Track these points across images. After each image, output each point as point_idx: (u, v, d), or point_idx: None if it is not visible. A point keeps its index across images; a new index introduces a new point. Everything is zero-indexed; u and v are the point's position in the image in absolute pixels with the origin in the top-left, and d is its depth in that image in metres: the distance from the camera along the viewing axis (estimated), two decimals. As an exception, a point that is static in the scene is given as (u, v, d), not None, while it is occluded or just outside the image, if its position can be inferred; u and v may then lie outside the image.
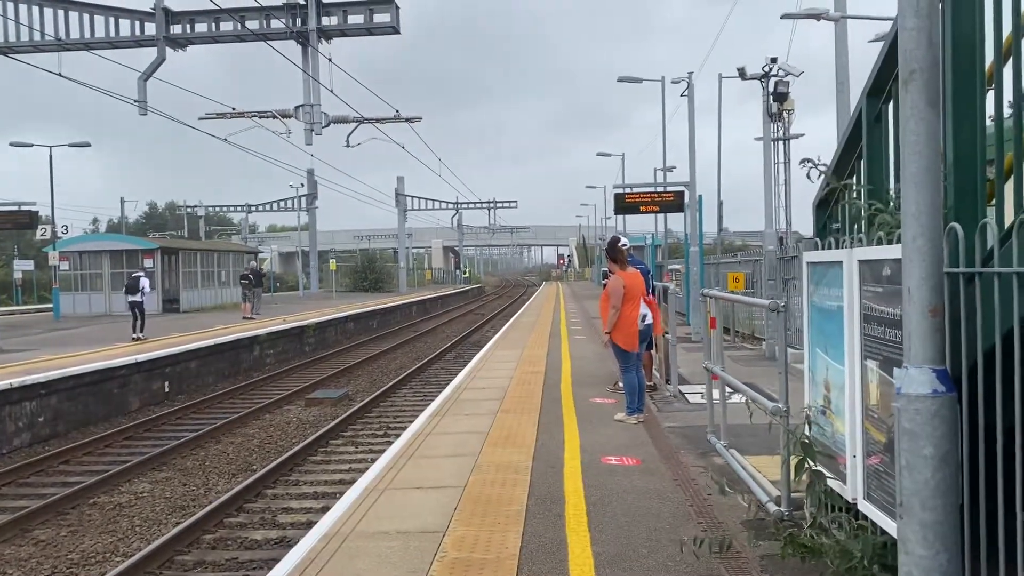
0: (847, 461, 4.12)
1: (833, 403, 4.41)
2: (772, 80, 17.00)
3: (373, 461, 7.69)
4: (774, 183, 18.34)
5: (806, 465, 4.29)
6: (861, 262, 3.98)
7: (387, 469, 6.74)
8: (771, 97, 17.13)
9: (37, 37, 22.10)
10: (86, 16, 22.82)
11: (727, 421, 6.71)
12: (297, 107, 23.39)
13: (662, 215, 28.80)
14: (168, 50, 22.73)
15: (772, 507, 4.99)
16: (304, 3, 22.32)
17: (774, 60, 17.02)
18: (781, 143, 20.14)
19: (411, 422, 9.45)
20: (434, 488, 6.08)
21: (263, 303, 30.71)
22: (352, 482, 6.91)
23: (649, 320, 9.02)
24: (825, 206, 5.27)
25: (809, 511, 4.51)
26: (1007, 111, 3.34)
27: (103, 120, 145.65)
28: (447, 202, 67.52)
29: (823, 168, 4.70)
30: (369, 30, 22.98)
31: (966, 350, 3.17)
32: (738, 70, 17.44)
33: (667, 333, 10.30)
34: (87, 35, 22.73)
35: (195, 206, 65.82)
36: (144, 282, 19.63)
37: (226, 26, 22.86)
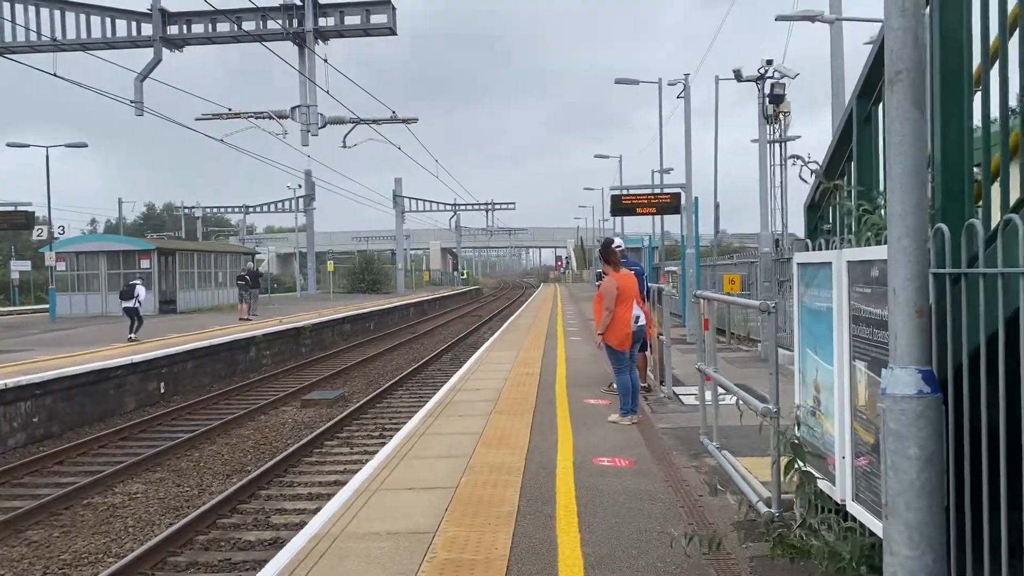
0: (836, 462, 4.12)
1: (823, 404, 4.41)
2: (768, 82, 17.02)
3: (367, 462, 7.68)
4: (770, 185, 18.37)
5: (795, 466, 4.29)
6: (850, 263, 3.99)
7: (379, 470, 6.74)
8: (767, 99, 17.15)
9: (33, 37, 22.07)
10: (83, 17, 22.80)
11: (720, 422, 6.71)
12: (293, 108, 23.38)
13: (660, 217, 28.80)
14: (165, 51, 22.72)
15: (762, 508, 4.99)
16: (301, 4, 22.32)
17: (770, 62, 17.04)
18: (778, 145, 20.16)
19: (406, 423, 9.44)
20: (426, 489, 6.08)
21: (260, 304, 30.69)
22: (346, 483, 6.90)
23: (642, 321, 9.02)
24: (816, 207, 5.28)
25: (799, 512, 4.52)
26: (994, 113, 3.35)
27: (101, 121, 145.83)
28: (445, 203, 67.58)
29: (813, 165, 4.71)
30: (366, 31, 22.98)
31: (952, 351, 3.17)
32: (734, 72, 17.47)
33: (661, 334, 10.31)
34: (83, 36, 22.70)
35: (192, 207, 65.82)
36: (140, 289, 19.58)
37: (223, 27, 22.84)
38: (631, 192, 20.75)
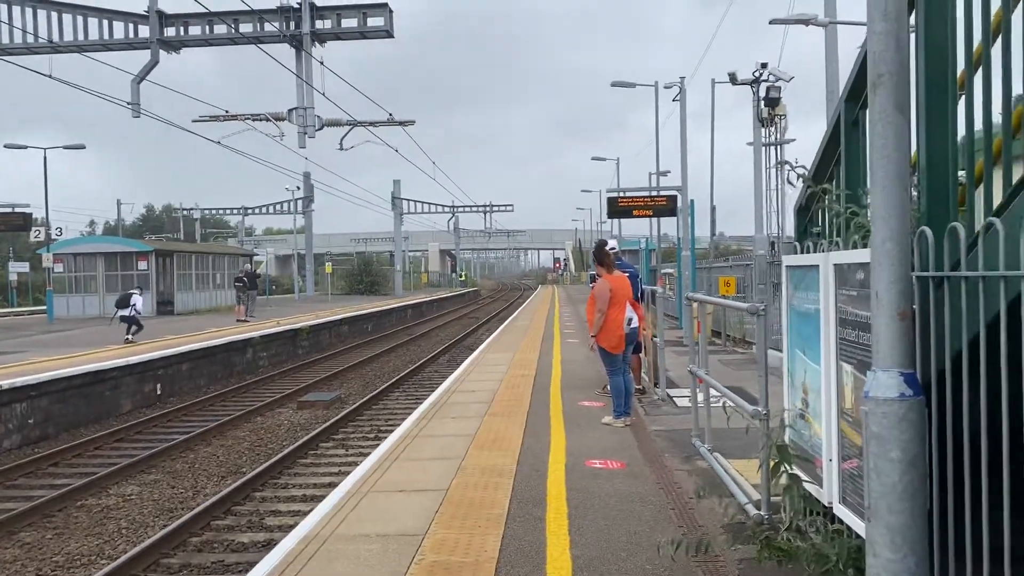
0: (823, 464, 4.13)
1: (811, 406, 4.43)
2: (763, 85, 17.05)
3: (361, 464, 7.69)
4: (766, 188, 18.40)
5: (782, 468, 4.30)
6: (836, 266, 4.00)
7: (371, 472, 6.75)
8: (762, 103, 17.18)
9: (30, 39, 22.09)
10: (79, 18, 22.82)
11: (712, 424, 6.72)
12: (290, 110, 23.40)
13: (657, 219, 28.82)
14: (162, 53, 22.73)
15: (752, 510, 5.01)
16: (298, 7, 22.35)
17: (764, 65, 17.06)
18: (774, 148, 20.19)
19: (400, 425, 9.45)
20: (417, 491, 6.09)
21: (258, 306, 30.69)
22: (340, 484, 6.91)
23: (635, 324, 9.03)
24: (806, 210, 5.29)
25: (787, 515, 4.53)
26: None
27: (100, 123, 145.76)
28: (443, 205, 67.61)
29: (800, 170, 4.72)
30: (363, 34, 23.01)
31: (935, 354, 3.18)
32: (729, 76, 17.49)
33: (655, 336, 10.32)
34: (80, 37, 22.72)
35: (191, 209, 65.82)
36: (136, 299, 19.57)
37: (220, 29, 22.87)
38: (628, 195, 20.79)
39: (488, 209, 71.62)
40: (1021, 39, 3.04)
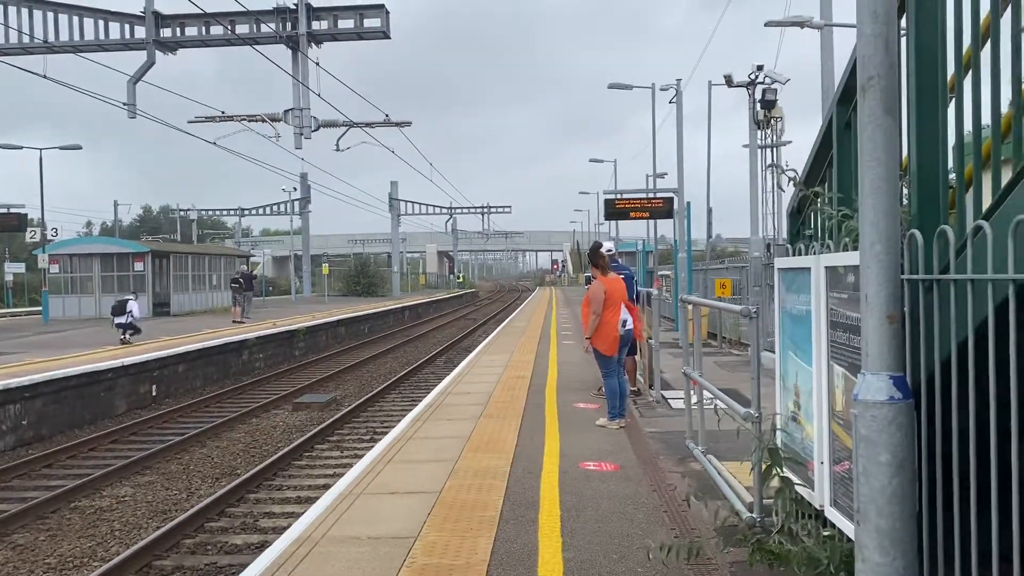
0: (815, 467, 4.13)
1: (803, 409, 4.43)
2: (759, 88, 17.06)
3: (355, 466, 7.68)
4: (761, 190, 18.41)
5: (774, 472, 4.30)
6: (828, 268, 4.01)
7: (364, 474, 6.74)
8: (758, 105, 17.19)
9: (26, 39, 22.04)
10: (75, 18, 22.78)
11: (707, 426, 6.72)
12: (286, 111, 23.38)
13: (654, 221, 28.83)
14: (158, 53, 22.71)
15: (744, 513, 5.00)
16: (294, 8, 22.34)
17: (760, 68, 17.08)
18: (770, 150, 20.20)
19: (395, 427, 9.44)
20: (410, 493, 6.08)
21: (254, 307, 30.65)
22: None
23: (630, 326, 9.03)
24: (798, 213, 5.30)
25: (779, 517, 4.52)
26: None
27: (97, 123, 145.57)
28: (441, 207, 67.56)
29: (791, 173, 4.73)
30: (359, 35, 23.00)
31: (925, 358, 3.18)
32: (725, 78, 17.51)
33: (651, 338, 10.31)
34: (76, 38, 22.68)
35: (188, 209, 65.71)
36: (132, 306, 19.53)
37: (216, 30, 22.84)
38: (625, 196, 20.80)
39: (486, 210, 71.60)
40: (1010, 43, 3.05)
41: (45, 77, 18.86)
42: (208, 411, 14.99)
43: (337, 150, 31.61)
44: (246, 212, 63.87)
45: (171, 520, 8.10)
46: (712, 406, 6.37)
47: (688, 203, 20.66)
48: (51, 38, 22.34)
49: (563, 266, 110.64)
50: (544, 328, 23.63)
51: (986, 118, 3.27)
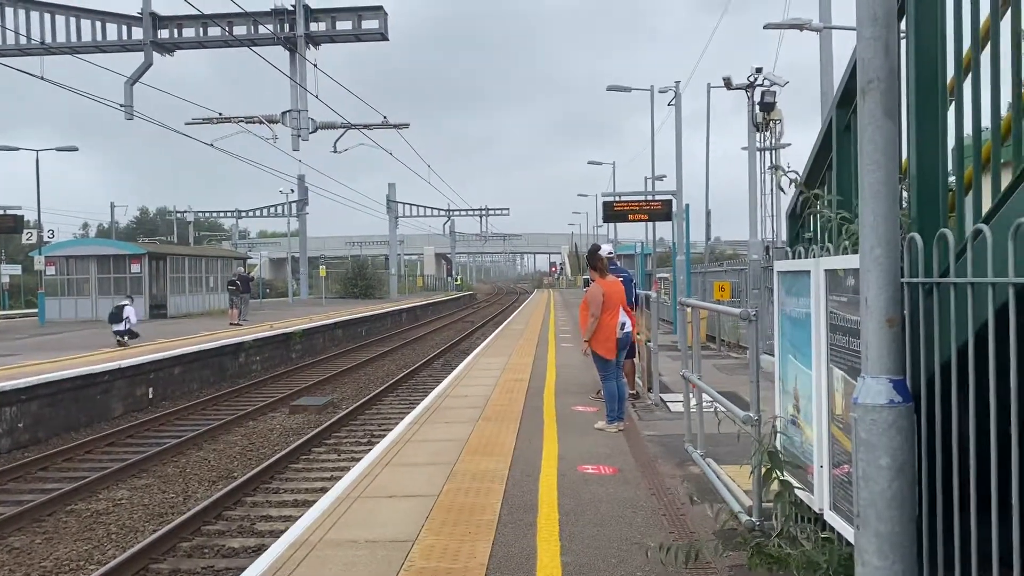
0: (814, 471, 4.12)
1: (802, 412, 4.42)
2: (758, 90, 17.07)
3: (352, 468, 7.65)
4: (760, 193, 18.43)
5: (774, 475, 4.29)
6: (828, 271, 4.00)
7: (362, 477, 6.72)
8: (757, 107, 17.20)
9: (23, 41, 22.01)
10: (72, 20, 22.76)
11: (706, 430, 6.71)
12: (284, 112, 23.38)
13: (652, 223, 28.84)
14: (155, 55, 22.68)
15: (743, 517, 4.99)
16: (292, 9, 22.33)
17: (759, 70, 17.09)
18: (769, 153, 20.21)
19: (392, 430, 9.41)
20: (407, 496, 6.06)
21: (252, 309, 30.61)
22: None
23: (628, 328, 9.02)
24: (797, 216, 5.29)
25: (778, 521, 4.51)
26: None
27: (94, 124, 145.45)
28: (439, 209, 67.60)
29: (793, 175, 4.72)
30: (357, 36, 23.00)
31: (925, 361, 3.18)
32: (724, 80, 17.51)
33: (649, 341, 10.31)
34: (73, 39, 22.66)
35: (185, 211, 65.64)
36: (128, 311, 19.49)
37: (214, 32, 22.84)
38: (623, 199, 20.79)
39: (484, 213, 71.66)
40: (1010, 46, 3.04)
41: (43, 78, 18.83)
42: (205, 414, 14.95)
43: (335, 152, 31.60)
44: (243, 214, 63.85)
45: (168, 523, 8.08)
46: (711, 409, 6.37)
47: (687, 205, 20.69)
48: (48, 39, 22.32)
49: (561, 269, 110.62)
50: (542, 331, 23.61)
51: (986, 121, 3.27)
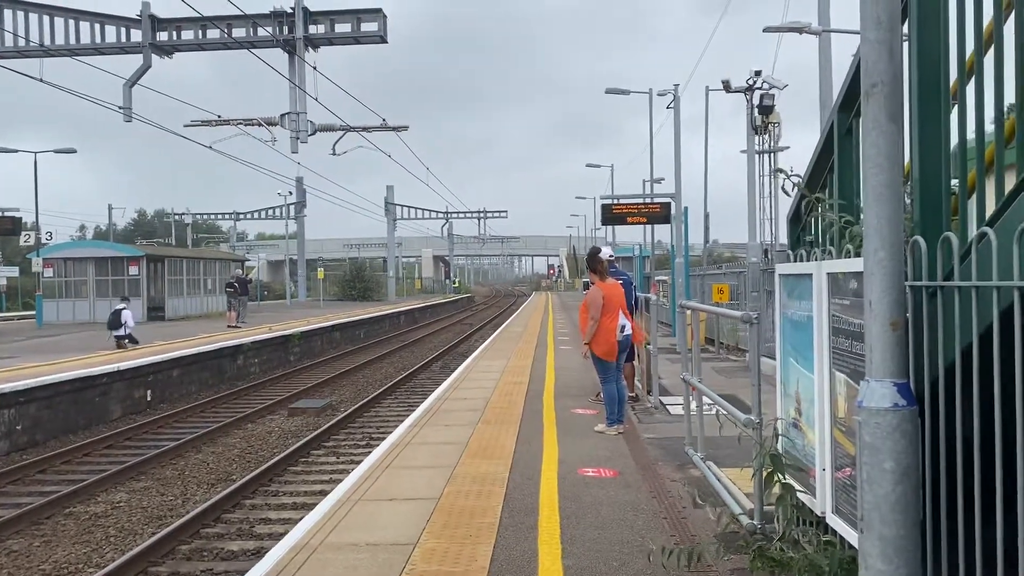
0: (816, 474, 4.12)
1: (804, 415, 4.41)
2: (757, 93, 17.10)
3: (352, 471, 7.64)
4: (759, 195, 18.44)
5: (776, 478, 4.29)
6: (830, 275, 4.00)
7: (362, 480, 6.70)
8: (756, 110, 17.22)
9: (22, 43, 22.00)
10: (71, 22, 22.74)
11: (706, 433, 6.70)
12: (283, 115, 23.37)
13: (651, 226, 28.87)
14: (154, 57, 22.67)
15: (744, 520, 4.98)
16: (291, 12, 22.33)
17: (758, 73, 17.12)
18: (768, 156, 20.25)
19: (392, 432, 9.40)
20: (408, 499, 6.05)
21: (249, 311, 30.58)
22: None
23: (628, 331, 9.01)
24: (799, 219, 5.29)
25: (780, 524, 4.51)
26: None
27: (93, 126, 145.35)
28: (437, 211, 67.65)
29: (796, 179, 4.72)
30: (356, 39, 23.00)
31: (928, 364, 3.17)
32: (723, 83, 17.53)
33: (648, 344, 10.30)
34: (72, 41, 22.65)
35: (183, 213, 65.58)
36: (126, 315, 19.47)
37: (212, 34, 22.83)
38: (621, 202, 20.79)
39: (482, 215, 71.69)
40: (1014, 48, 3.04)
41: (41, 80, 18.82)
42: (203, 416, 14.93)
43: (334, 154, 31.61)
44: (241, 216, 63.83)
45: (167, 526, 8.06)
46: (713, 412, 6.36)
47: (685, 208, 20.68)
48: (47, 41, 22.30)
49: (559, 271, 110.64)
50: (541, 333, 23.60)
51: (989, 124, 3.27)
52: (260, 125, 25.93)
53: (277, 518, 8.40)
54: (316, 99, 21.66)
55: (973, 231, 3.22)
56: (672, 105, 22.80)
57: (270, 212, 60.60)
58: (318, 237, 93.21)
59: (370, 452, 9.71)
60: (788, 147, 20.78)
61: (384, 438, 10.38)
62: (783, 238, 20.99)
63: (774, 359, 5.28)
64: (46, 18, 22.50)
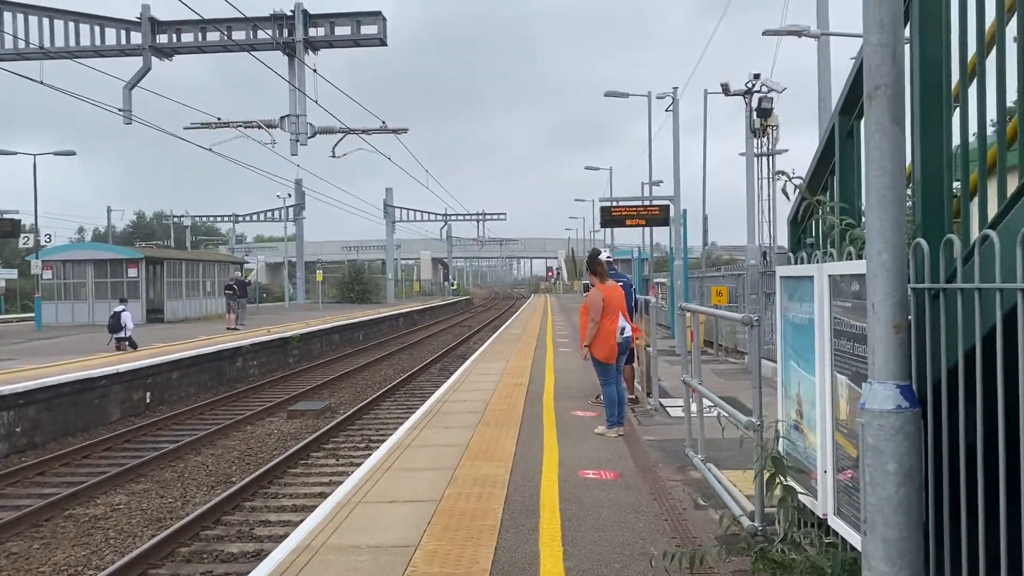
0: (818, 476, 4.12)
1: (805, 417, 4.42)
2: (755, 96, 17.12)
3: (352, 474, 7.63)
4: (758, 198, 18.46)
5: (777, 480, 4.29)
6: (831, 277, 4.00)
7: (363, 482, 6.70)
8: (754, 113, 17.24)
9: (22, 45, 22.00)
10: (71, 24, 22.74)
11: (706, 435, 6.70)
12: (282, 117, 23.37)
13: (650, 228, 28.88)
14: (154, 59, 22.67)
15: (746, 522, 4.98)
16: (291, 14, 22.34)
17: (757, 76, 17.15)
18: (766, 159, 20.25)
19: (392, 435, 9.40)
20: (408, 502, 6.04)
21: (248, 314, 30.56)
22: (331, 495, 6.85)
23: (628, 333, 9.01)
24: (799, 222, 5.30)
25: (781, 526, 4.51)
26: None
27: (92, 129, 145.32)
28: (436, 214, 67.62)
29: (797, 181, 4.73)
30: (356, 41, 23.01)
31: (931, 366, 3.18)
32: (721, 86, 17.56)
33: (648, 346, 10.31)
34: (72, 44, 22.65)
35: (181, 216, 65.51)
36: (126, 317, 19.45)
37: (212, 36, 22.84)
38: (620, 204, 20.81)
39: (481, 218, 71.68)
40: (1016, 51, 3.05)
41: (41, 83, 18.82)
42: (203, 418, 14.92)
43: (333, 156, 31.62)
44: (240, 218, 63.76)
45: (166, 528, 8.05)
46: (713, 414, 6.36)
47: (684, 211, 20.69)
48: (47, 44, 22.30)
49: (558, 273, 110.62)
50: (540, 335, 23.60)
51: (991, 127, 3.28)
52: (260, 127, 25.94)
53: (277, 520, 8.39)
54: (316, 101, 21.68)
55: (975, 233, 3.23)
56: (671, 108, 22.82)
57: (269, 214, 60.52)
58: (317, 239, 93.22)
59: (370, 454, 9.71)
60: (787, 150, 20.82)
61: (383, 440, 10.38)
62: (782, 240, 21.00)
63: (773, 361, 5.29)
64: (46, 20, 22.50)
